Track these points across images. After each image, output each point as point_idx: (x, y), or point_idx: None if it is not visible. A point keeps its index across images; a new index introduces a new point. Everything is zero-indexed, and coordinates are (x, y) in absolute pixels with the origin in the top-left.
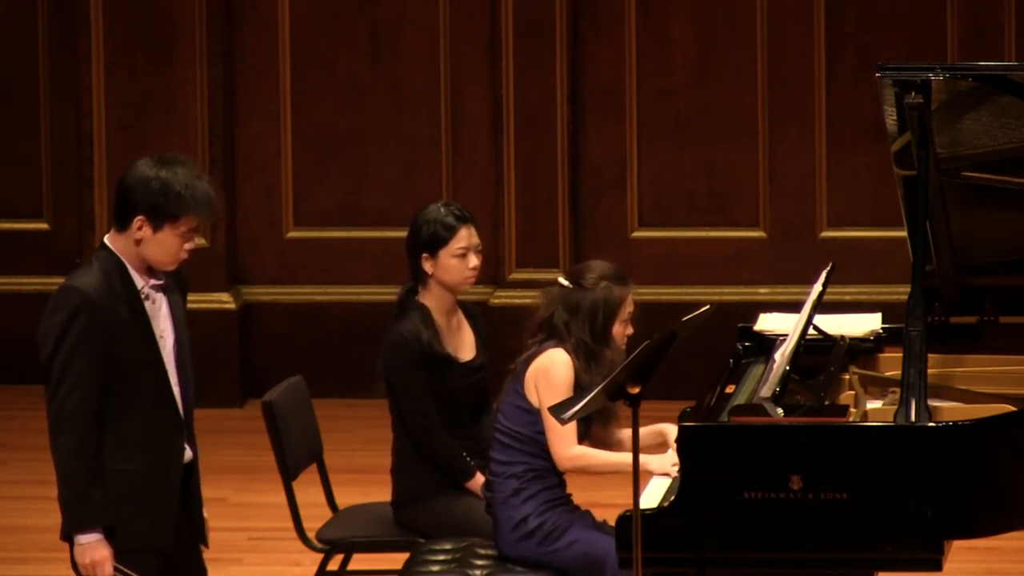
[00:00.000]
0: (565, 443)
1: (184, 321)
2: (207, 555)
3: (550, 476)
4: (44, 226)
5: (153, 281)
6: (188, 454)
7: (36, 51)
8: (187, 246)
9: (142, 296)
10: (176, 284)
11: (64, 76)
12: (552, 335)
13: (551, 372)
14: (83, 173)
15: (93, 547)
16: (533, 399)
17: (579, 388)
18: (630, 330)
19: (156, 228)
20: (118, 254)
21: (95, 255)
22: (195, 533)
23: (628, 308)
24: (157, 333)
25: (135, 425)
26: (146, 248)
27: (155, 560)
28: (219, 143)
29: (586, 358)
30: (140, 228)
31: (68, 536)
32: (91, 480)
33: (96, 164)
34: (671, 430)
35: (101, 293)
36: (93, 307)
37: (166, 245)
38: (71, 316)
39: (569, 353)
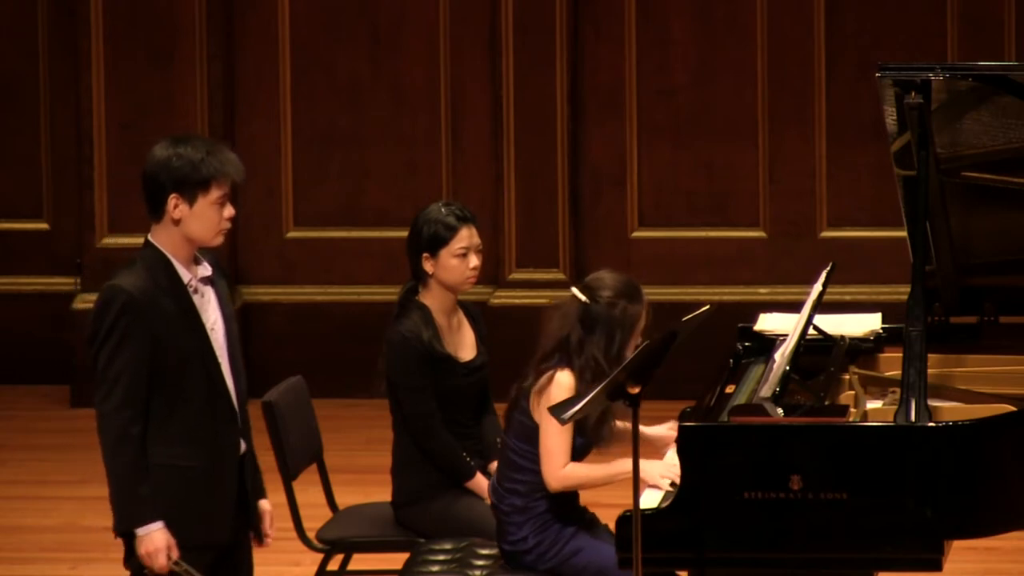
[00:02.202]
0: (555, 465)
1: (232, 314)
2: None
3: (557, 494)
4: (44, 226)
5: (201, 273)
6: (243, 446)
7: (36, 51)
8: (226, 214)
9: (190, 290)
10: (221, 277)
11: (64, 76)
12: (563, 352)
13: (552, 395)
14: (83, 173)
15: (149, 538)
16: (536, 418)
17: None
18: (639, 340)
19: (191, 202)
20: (161, 249)
21: (139, 253)
22: (248, 525)
23: (642, 323)
24: (208, 326)
25: (189, 420)
26: (187, 226)
27: (209, 554)
28: None
29: (594, 377)
30: (176, 206)
31: (121, 533)
32: (137, 477)
33: (96, 164)
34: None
35: (144, 291)
36: (136, 306)
37: (205, 217)
38: (115, 316)
39: (573, 374)
